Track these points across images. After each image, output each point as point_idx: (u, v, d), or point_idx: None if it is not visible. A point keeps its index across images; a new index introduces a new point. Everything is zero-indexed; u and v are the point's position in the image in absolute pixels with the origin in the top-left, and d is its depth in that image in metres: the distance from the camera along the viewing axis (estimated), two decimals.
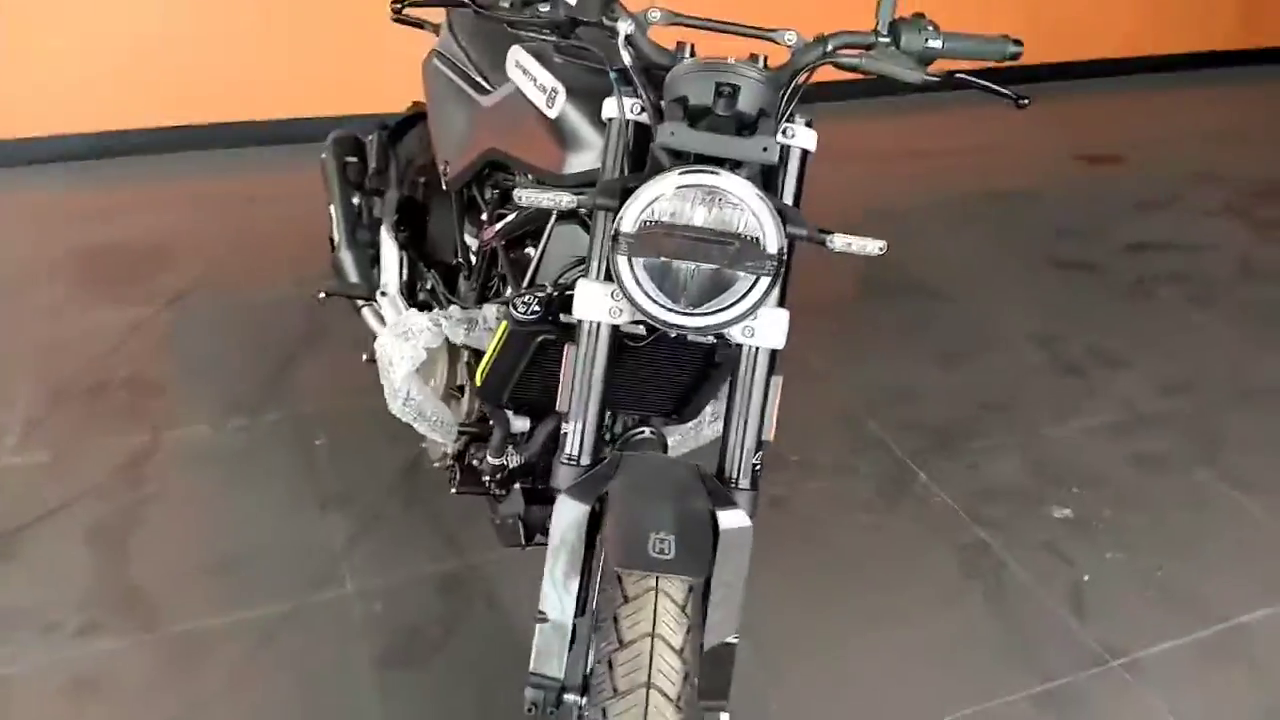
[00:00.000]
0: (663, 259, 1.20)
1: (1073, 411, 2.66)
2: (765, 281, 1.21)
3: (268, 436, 2.40)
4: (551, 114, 1.41)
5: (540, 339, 1.43)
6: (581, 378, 1.30)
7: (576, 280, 1.39)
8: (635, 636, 1.10)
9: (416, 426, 1.65)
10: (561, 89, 1.40)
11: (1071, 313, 3.15)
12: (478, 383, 1.53)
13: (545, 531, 1.69)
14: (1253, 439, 2.57)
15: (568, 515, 1.27)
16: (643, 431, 1.67)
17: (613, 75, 1.32)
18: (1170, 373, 2.85)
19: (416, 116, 2.40)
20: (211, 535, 2.10)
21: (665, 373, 1.55)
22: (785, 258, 1.22)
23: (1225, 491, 2.38)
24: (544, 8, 1.32)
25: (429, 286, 2.09)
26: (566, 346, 1.32)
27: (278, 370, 2.67)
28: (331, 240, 2.26)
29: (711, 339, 1.40)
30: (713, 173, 1.16)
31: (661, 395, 1.61)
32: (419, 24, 2.28)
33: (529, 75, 1.50)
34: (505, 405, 1.57)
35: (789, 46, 1.33)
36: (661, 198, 1.18)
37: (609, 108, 1.30)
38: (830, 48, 1.29)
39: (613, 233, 1.20)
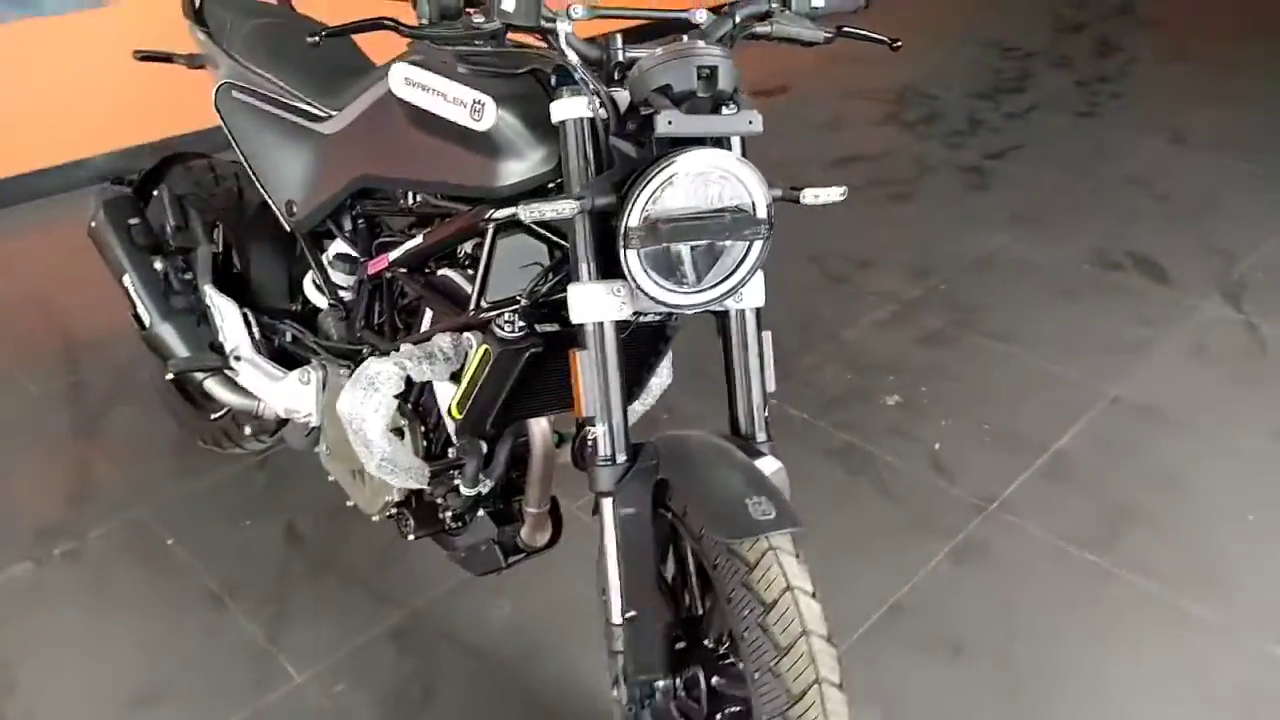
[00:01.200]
0: (670, 244, 1.24)
1: (855, 313, 3.01)
2: (759, 245, 1.29)
3: (107, 553, 2.11)
4: (481, 126, 1.37)
5: (528, 355, 1.41)
6: (598, 379, 1.31)
7: (535, 289, 1.40)
8: (776, 595, 1.16)
9: (391, 481, 1.55)
10: (488, 99, 1.37)
11: (815, 230, 3.50)
12: (457, 414, 1.47)
13: (517, 550, 1.69)
14: (994, 300, 3.05)
15: (629, 513, 1.29)
16: None
17: (551, 77, 1.32)
18: (909, 261, 3.29)
19: (169, 161, 2.17)
20: (112, 674, 1.83)
21: (633, 358, 1.58)
22: (773, 220, 1.30)
23: (994, 346, 2.82)
24: (479, 19, 1.27)
25: (289, 338, 1.92)
26: (572, 353, 1.32)
27: (80, 473, 2.32)
28: (138, 318, 2.00)
29: (661, 317, 1.44)
30: (717, 153, 1.22)
31: (628, 381, 1.65)
32: (166, 58, 2.07)
33: (433, 91, 1.43)
34: (486, 432, 1.52)
35: (701, 25, 1.40)
36: (669, 184, 1.21)
37: (562, 109, 1.30)
38: (738, 19, 1.38)
39: (621, 228, 1.21)
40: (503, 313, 1.41)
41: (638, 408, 1.72)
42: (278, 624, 1.92)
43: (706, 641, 1.36)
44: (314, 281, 1.92)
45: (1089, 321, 2.94)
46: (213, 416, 2.26)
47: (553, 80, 1.32)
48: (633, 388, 1.66)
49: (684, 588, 1.40)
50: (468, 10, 1.27)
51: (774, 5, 1.39)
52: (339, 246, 1.81)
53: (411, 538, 1.74)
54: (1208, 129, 4.27)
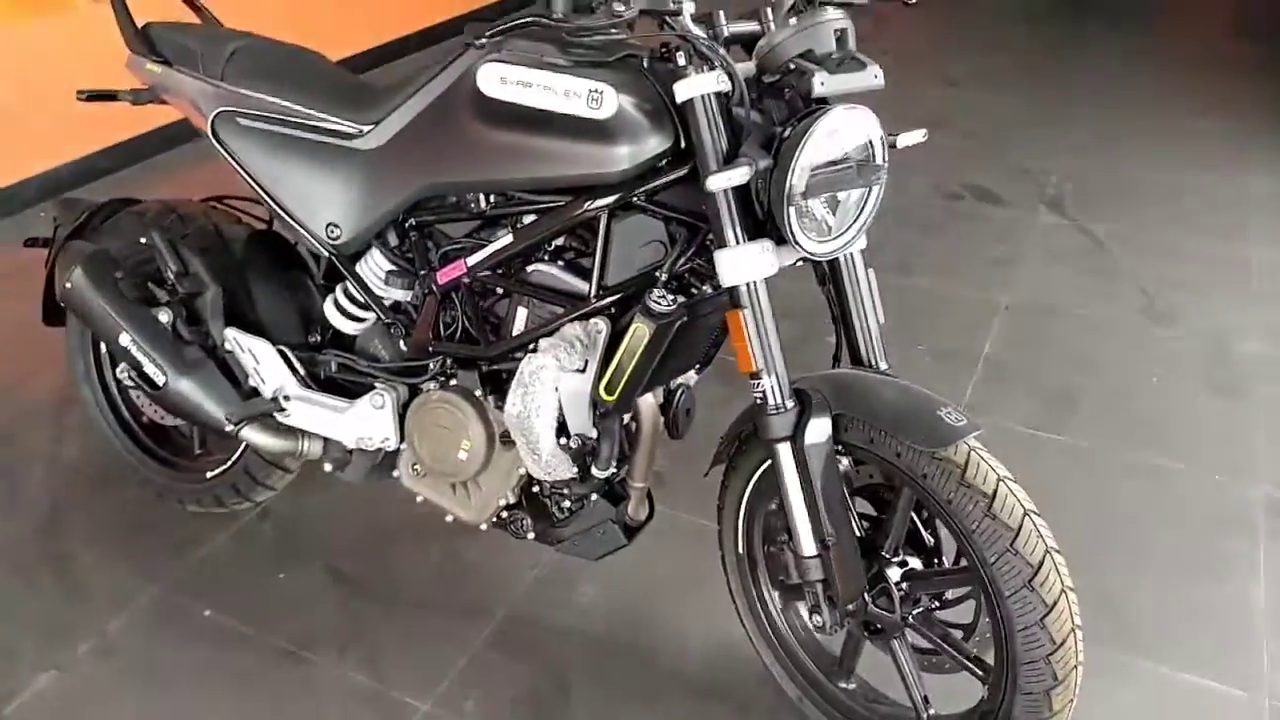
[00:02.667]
0: (830, 193, 1.36)
1: None
2: (878, 189, 1.44)
3: (140, 640, 1.93)
4: (601, 114, 1.41)
5: (677, 326, 1.48)
6: (760, 335, 1.42)
7: (674, 263, 1.48)
8: (994, 486, 1.33)
9: (550, 476, 1.56)
10: (607, 87, 1.41)
11: None
12: (608, 397, 1.51)
13: (627, 527, 1.74)
14: (875, 242, 3.36)
15: (818, 447, 1.41)
16: (687, 384, 1.78)
17: (679, 57, 1.39)
18: None
19: (105, 210, 2.01)
20: None
21: (716, 323, 1.68)
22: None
23: (897, 279, 3.13)
24: (619, 7, 1.31)
25: (334, 368, 1.84)
26: (731, 314, 1.42)
27: (61, 568, 2.10)
28: (147, 378, 1.83)
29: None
30: (860, 109, 1.35)
31: (710, 346, 1.74)
32: (110, 96, 1.91)
33: (539, 86, 1.45)
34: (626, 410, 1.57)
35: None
36: (825, 140, 1.33)
37: (689, 87, 1.37)
38: None
39: (786, 186, 1.32)
40: (650, 291, 1.46)
41: (694, 377, 1.82)
42: (374, 663, 1.86)
43: (884, 553, 1.51)
44: (337, 306, 1.85)
45: (958, 245, 3.32)
46: (209, 475, 2.11)
47: (680, 59, 1.39)
48: (697, 361, 1.75)
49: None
50: (602, 2, 1.33)
51: None
52: (381, 262, 1.76)
53: (531, 537, 1.75)
54: (974, 74, 4.87)
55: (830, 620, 1.49)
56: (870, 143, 1.40)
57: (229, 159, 1.77)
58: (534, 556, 2.07)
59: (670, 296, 1.47)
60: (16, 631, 1.95)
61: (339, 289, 1.85)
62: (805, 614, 1.56)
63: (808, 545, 1.46)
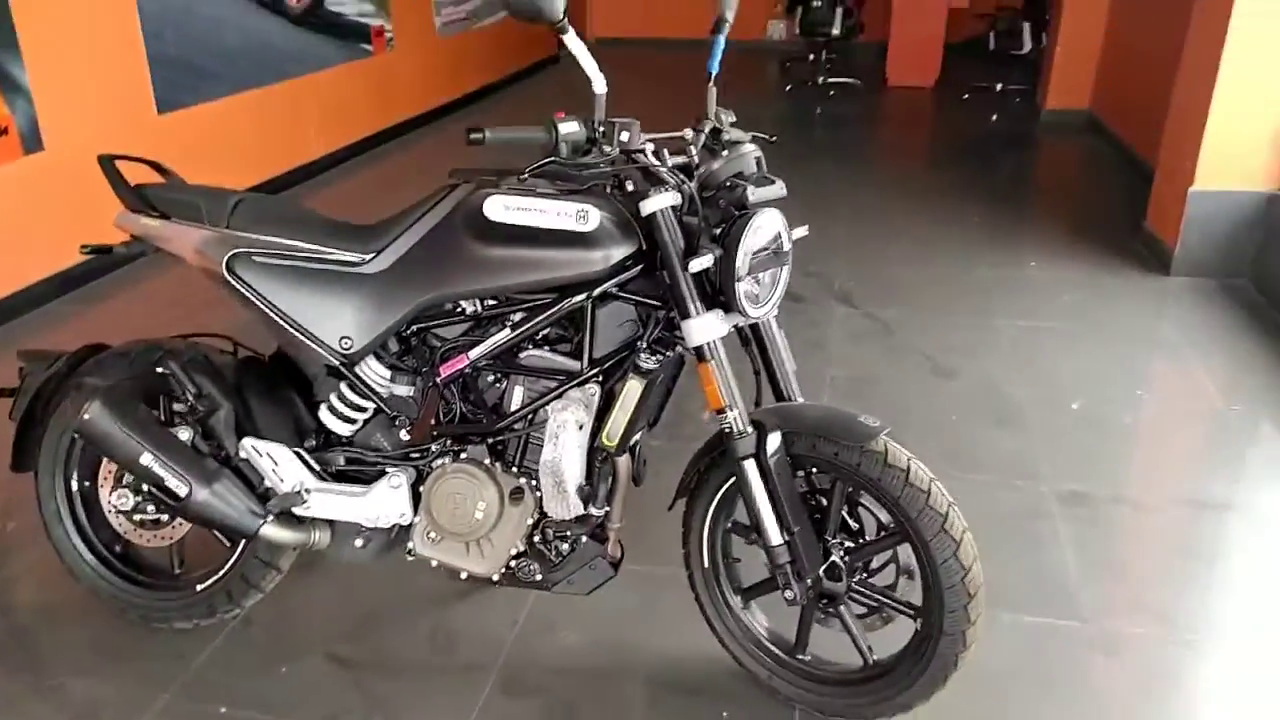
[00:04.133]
0: (759, 273, 1.89)
1: None
2: (787, 269, 1.99)
3: None
4: (587, 227, 1.88)
5: (658, 379, 1.94)
6: (723, 380, 1.90)
7: (647, 334, 1.94)
8: (905, 464, 1.86)
9: (569, 514, 1.93)
10: (590, 206, 1.87)
11: None
12: (613, 443, 1.92)
13: (611, 561, 2.13)
14: None
15: (777, 460, 1.89)
16: (640, 441, 2.22)
17: (628, 184, 1.90)
18: None
19: (83, 352, 2.25)
20: None
21: (667, 383, 2.14)
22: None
23: None
24: (607, 148, 1.80)
25: (343, 461, 2.13)
26: (702, 366, 1.90)
27: (59, 700, 2.15)
28: (169, 492, 2.03)
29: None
30: (775, 210, 1.90)
31: (659, 406, 2.20)
32: (106, 250, 2.18)
33: (536, 210, 1.89)
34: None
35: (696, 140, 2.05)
36: (756, 232, 1.86)
37: (653, 203, 1.87)
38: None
39: (735, 267, 1.83)
40: (635, 355, 1.92)
41: (645, 433, 2.26)
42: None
43: (827, 537, 1.99)
44: (332, 410, 2.15)
45: None
46: (199, 587, 2.28)
47: (628, 186, 1.89)
48: (655, 417, 2.21)
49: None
50: (591, 144, 1.82)
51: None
52: (377, 366, 2.10)
53: (537, 578, 2.09)
54: None
55: (799, 592, 1.94)
56: (779, 235, 1.95)
57: (250, 290, 2.07)
58: (512, 614, 2.39)
59: (654, 357, 1.93)
60: None
61: (333, 396, 2.16)
62: (762, 617, 2.02)
63: (775, 536, 1.92)
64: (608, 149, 1.82)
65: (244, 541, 2.23)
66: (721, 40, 2.05)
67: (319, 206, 2.32)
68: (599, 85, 1.82)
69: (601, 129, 1.83)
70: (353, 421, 2.16)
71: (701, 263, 1.82)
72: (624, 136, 1.84)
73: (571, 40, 1.76)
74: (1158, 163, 4.85)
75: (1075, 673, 2.24)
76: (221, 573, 2.27)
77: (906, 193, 6.05)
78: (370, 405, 2.15)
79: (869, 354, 3.80)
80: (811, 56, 9.30)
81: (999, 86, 8.64)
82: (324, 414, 2.16)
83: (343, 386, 2.13)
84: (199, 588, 2.28)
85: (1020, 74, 8.52)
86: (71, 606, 2.41)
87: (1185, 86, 4.53)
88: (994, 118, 8.01)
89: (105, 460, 2.25)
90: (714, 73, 2.07)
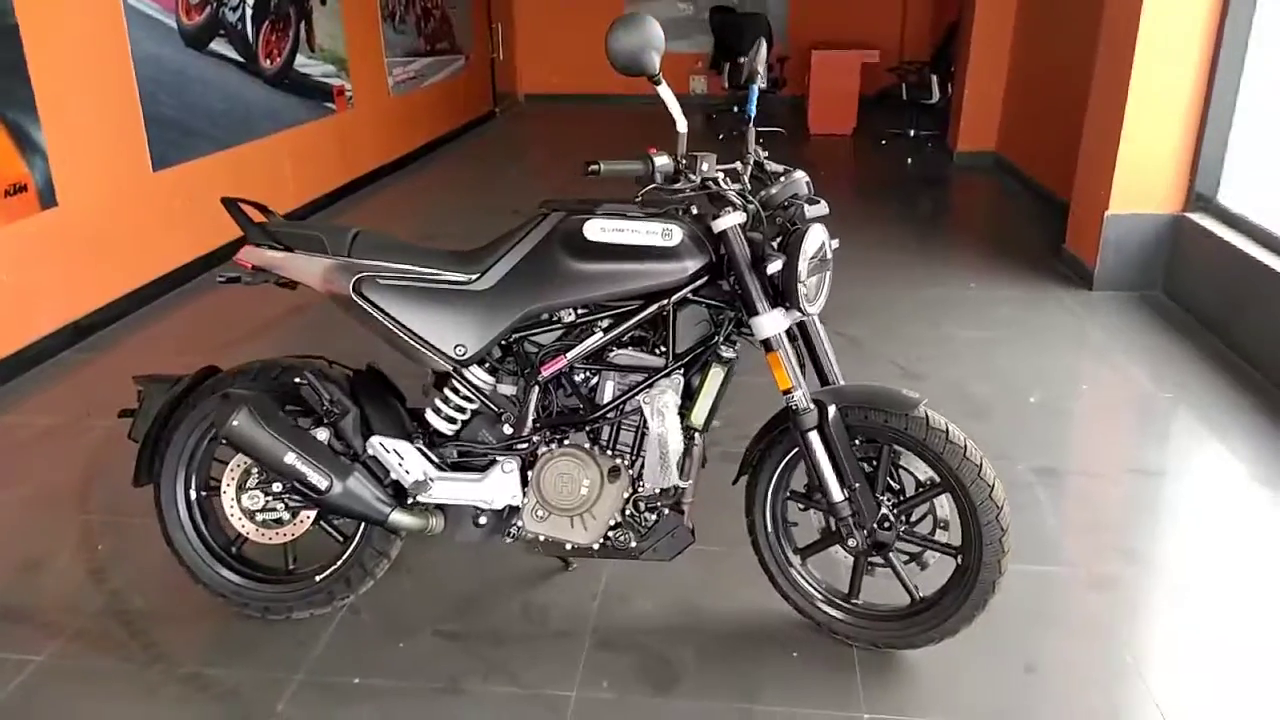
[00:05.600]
0: (817, 275, 2.31)
1: None
2: (830, 274, 2.42)
3: (308, 714, 2.31)
4: (672, 243, 2.26)
5: (734, 367, 2.33)
6: (789, 365, 2.30)
7: (722, 330, 2.33)
8: (945, 426, 2.29)
9: (674, 483, 2.29)
10: (674, 225, 2.26)
11: None
12: (700, 424, 2.30)
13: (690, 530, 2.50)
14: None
15: (834, 428, 2.30)
16: None
17: (718, 206, 2.30)
18: None
19: (202, 374, 2.53)
20: None
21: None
22: None
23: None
24: (693, 177, 2.19)
25: (456, 455, 2.45)
26: (771, 355, 2.29)
27: (220, 673, 2.39)
28: (314, 488, 2.31)
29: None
30: (821, 224, 2.33)
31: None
32: (236, 279, 2.48)
33: (629, 230, 2.26)
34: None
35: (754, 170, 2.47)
36: (813, 243, 2.28)
37: (724, 222, 2.27)
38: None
39: (798, 270, 2.24)
40: (715, 347, 2.31)
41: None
42: (516, 678, 2.41)
43: (877, 494, 2.39)
44: (436, 411, 2.47)
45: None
46: (318, 578, 2.54)
47: (694, 210, 2.30)
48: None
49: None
50: (679, 173, 2.22)
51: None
52: (480, 372, 2.43)
53: (631, 544, 2.43)
54: None
55: (860, 539, 2.34)
56: (824, 245, 2.37)
57: (374, 309, 2.38)
58: (590, 589, 2.71)
59: (732, 348, 2.32)
60: None
61: (436, 399, 2.48)
62: (816, 572, 2.41)
63: (838, 493, 2.32)
64: (693, 177, 2.22)
65: (362, 531, 2.51)
66: (755, 90, 2.48)
67: None
68: (681, 125, 2.22)
69: (684, 161, 2.23)
70: (454, 421, 2.49)
71: (774, 267, 2.22)
72: (704, 166, 2.24)
73: (664, 90, 2.16)
74: (1072, 192, 5.51)
75: (1073, 607, 2.69)
76: (340, 562, 2.54)
77: (845, 226, 6.55)
78: (471, 406, 2.48)
79: (844, 363, 4.14)
80: (735, 108, 9.94)
81: (912, 133, 9.41)
82: (429, 415, 2.48)
83: (447, 390, 2.46)
84: (318, 578, 2.55)
85: (931, 121, 9.32)
86: (185, 607, 2.64)
87: (1095, 124, 5.21)
88: (909, 161, 8.73)
89: (230, 467, 2.51)
90: (751, 115, 2.50)
